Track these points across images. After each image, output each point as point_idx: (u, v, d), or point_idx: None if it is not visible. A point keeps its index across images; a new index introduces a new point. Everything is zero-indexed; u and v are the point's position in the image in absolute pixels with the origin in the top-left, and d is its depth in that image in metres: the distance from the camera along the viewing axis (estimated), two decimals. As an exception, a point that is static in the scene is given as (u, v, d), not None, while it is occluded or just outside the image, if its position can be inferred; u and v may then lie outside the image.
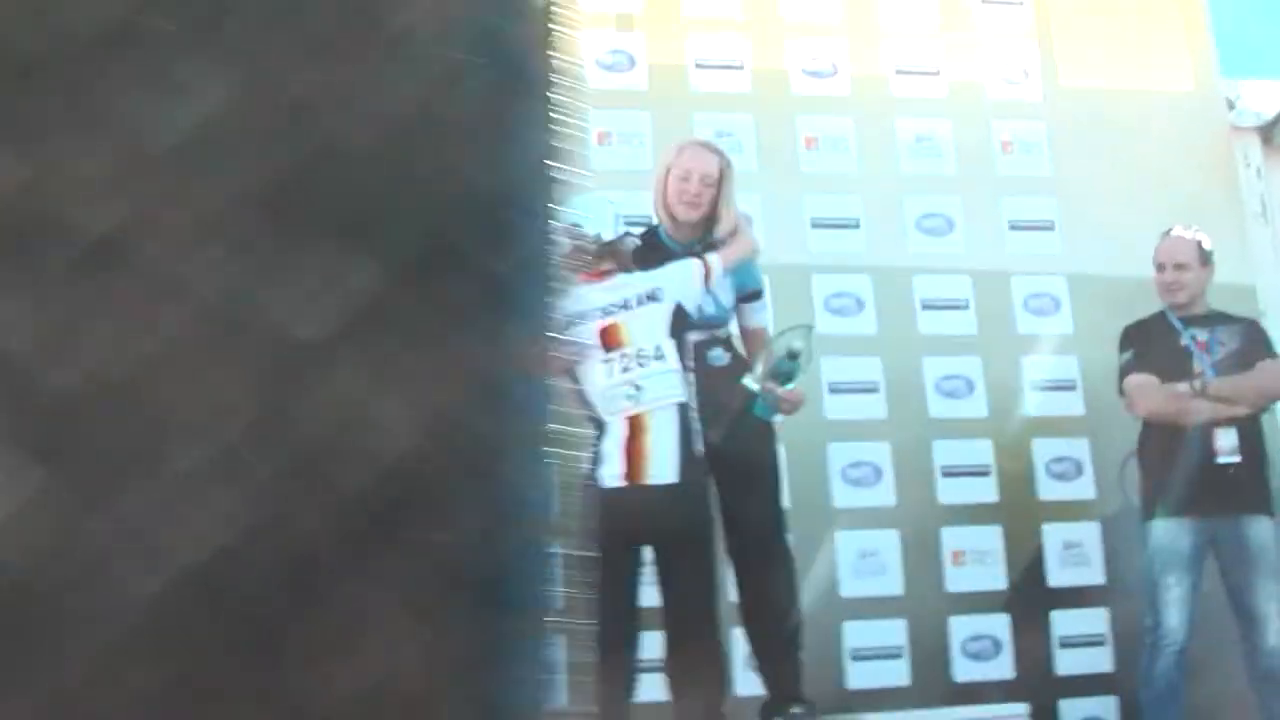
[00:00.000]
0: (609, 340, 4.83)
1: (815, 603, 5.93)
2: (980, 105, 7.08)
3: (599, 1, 6.84)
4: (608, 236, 4.95)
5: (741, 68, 6.89)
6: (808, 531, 6.03)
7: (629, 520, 4.58)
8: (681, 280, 4.98)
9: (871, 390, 6.57)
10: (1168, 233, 6.19)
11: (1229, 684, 5.83)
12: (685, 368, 4.94)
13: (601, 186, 6.26)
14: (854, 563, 6.33)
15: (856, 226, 6.75)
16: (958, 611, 6.41)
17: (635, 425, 4.75)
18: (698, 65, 6.84)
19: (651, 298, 4.90)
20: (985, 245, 6.87)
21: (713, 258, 5.05)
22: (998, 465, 6.61)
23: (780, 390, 5.09)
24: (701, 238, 5.29)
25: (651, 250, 5.22)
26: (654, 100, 6.72)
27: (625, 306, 4.88)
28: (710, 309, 5.22)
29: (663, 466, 4.72)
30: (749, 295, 5.45)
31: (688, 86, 6.81)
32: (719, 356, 5.27)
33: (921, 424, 6.59)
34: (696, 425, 4.85)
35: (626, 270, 4.99)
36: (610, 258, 4.95)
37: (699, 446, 4.83)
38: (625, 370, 4.80)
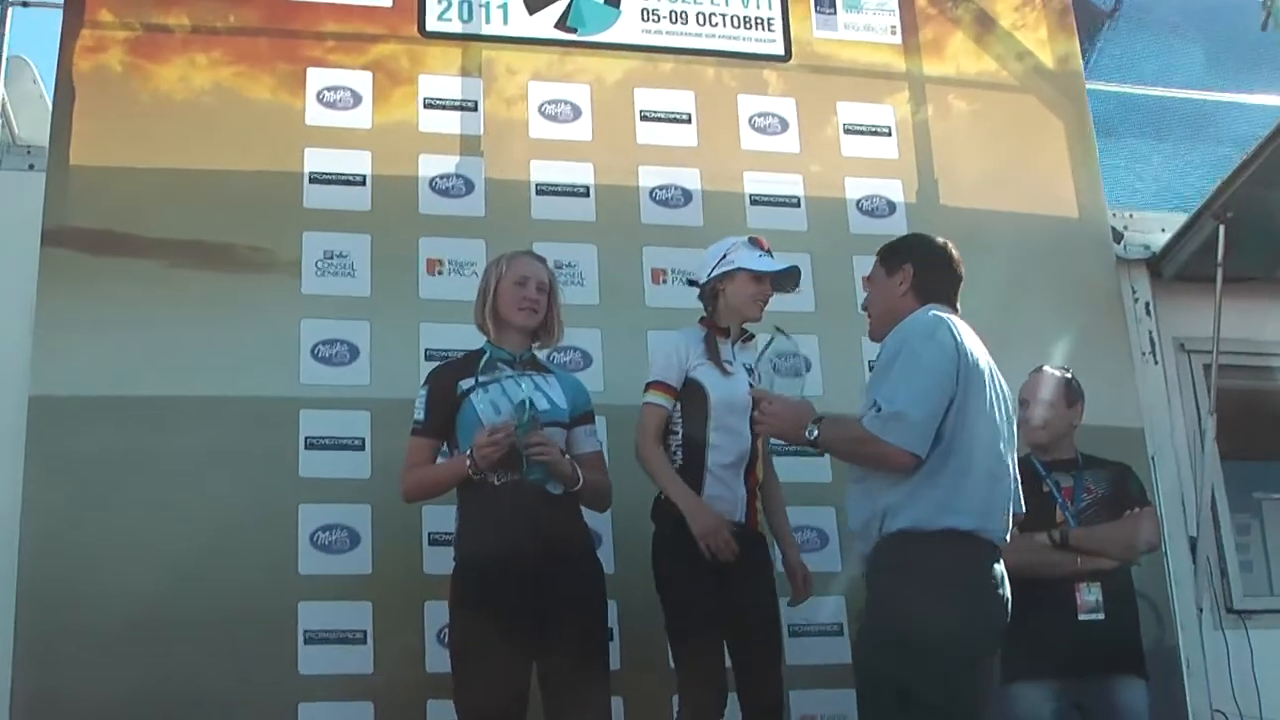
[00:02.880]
0: None
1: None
2: (843, 238, 6.70)
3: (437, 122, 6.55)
4: None
5: (587, 194, 6.53)
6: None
7: None
8: None
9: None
10: (1037, 370, 5.88)
11: None
12: None
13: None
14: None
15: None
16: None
17: None
18: (539, 191, 6.50)
19: None
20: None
21: None
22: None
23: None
24: (529, 348, 5.29)
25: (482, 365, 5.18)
26: (491, 227, 6.36)
27: None
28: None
29: None
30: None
31: (528, 212, 6.46)
32: None
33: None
34: None
35: None
36: None
37: None
38: None
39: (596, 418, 5.42)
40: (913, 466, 4.40)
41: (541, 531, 4.91)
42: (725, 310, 5.39)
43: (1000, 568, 4.52)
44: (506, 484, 4.96)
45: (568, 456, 5.09)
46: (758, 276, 5.37)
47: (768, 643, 5.24)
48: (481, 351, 5.24)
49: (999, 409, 4.61)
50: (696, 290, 5.53)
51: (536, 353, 5.33)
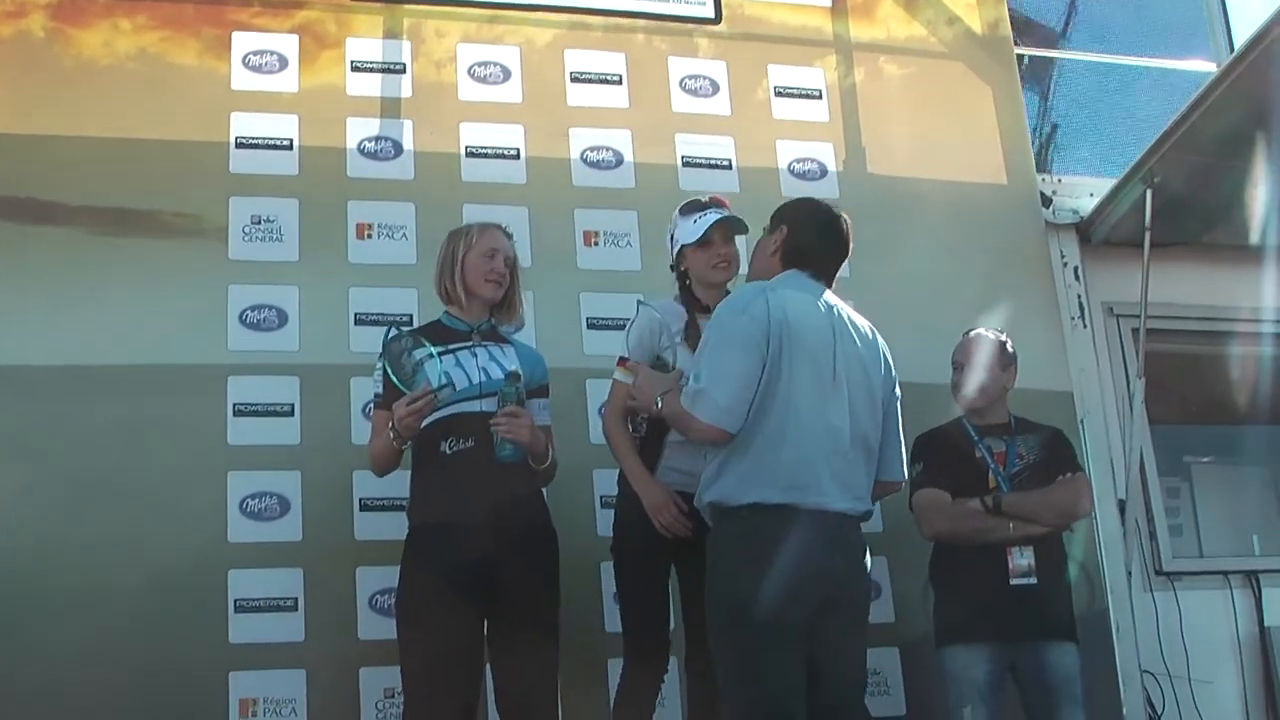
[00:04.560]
0: None
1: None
2: (774, 200, 6.57)
3: (365, 85, 6.46)
4: None
5: (518, 157, 6.47)
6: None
7: None
8: None
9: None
10: (968, 332, 5.87)
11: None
12: None
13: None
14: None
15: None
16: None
17: None
18: (469, 153, 6.43)
19: None
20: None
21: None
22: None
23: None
24: (488, 319, 5.22)
25: (439, 334, 5.13)
26: (421, 190, 6.29)
27: None
28: None
29: None
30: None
31: (459, 175, 6.39)
32: None
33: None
34: None
35: None
36: None
37: None
38: None
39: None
40: (725, 441, 4.47)
41: (494, 498, 4.87)
42: (696, 286, 5.30)
43: (823, 534, 4.47)
44: (459, 452, 4.94)
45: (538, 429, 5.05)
46: (700, 244, 5.26)
47: None
48: (437, 321, 5.22)
49: (843, 374, 4.60)
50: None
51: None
